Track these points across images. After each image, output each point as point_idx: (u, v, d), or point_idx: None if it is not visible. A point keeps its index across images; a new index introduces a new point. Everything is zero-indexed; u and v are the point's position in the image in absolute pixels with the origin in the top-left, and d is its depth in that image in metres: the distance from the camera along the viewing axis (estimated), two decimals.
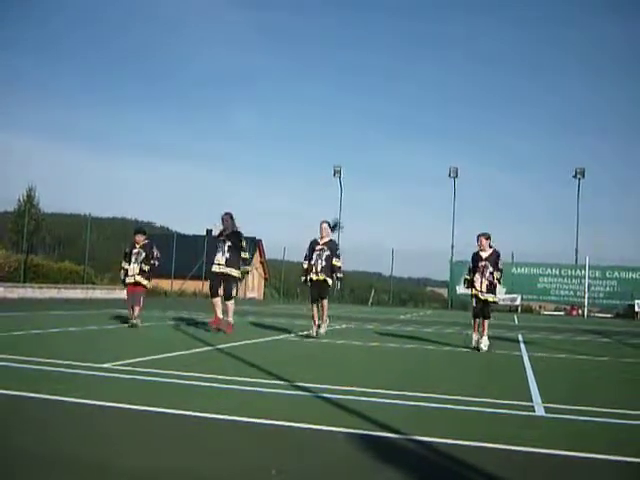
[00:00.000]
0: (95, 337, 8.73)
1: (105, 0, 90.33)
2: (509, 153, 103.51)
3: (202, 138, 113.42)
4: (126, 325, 10.62)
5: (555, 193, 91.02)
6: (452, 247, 37.20)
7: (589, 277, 34.44)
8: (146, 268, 10.67)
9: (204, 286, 36.43)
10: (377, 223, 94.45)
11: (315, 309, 10.08)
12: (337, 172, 39.95)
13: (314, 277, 9.94)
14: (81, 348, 7.21)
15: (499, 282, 9.32)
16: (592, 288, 34.57)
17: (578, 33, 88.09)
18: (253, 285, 45.81)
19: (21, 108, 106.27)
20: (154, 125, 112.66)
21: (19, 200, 32.18)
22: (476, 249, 9.42)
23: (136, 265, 10.64)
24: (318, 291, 10.01)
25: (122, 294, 27.74)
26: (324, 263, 9.91)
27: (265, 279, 48.64)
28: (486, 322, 9.16)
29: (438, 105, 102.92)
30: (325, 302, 10.09)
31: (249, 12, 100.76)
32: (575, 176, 36.45)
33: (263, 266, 48.77)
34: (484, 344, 8.97)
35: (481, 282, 9.13)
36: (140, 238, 10.87)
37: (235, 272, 10.02)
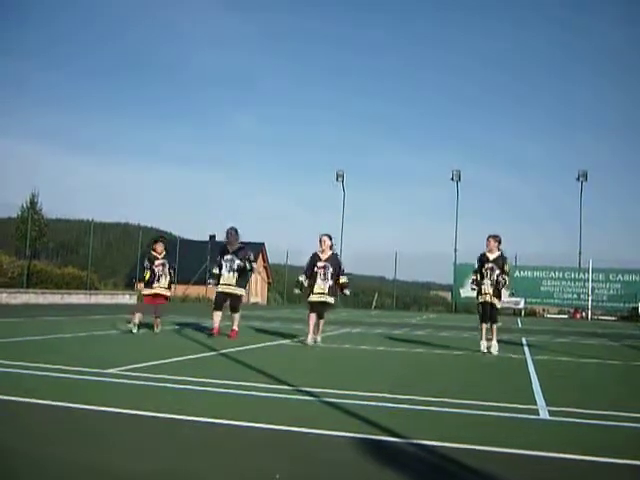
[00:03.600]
0: (98, 342, 8.73)
1: (103, 3, 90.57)
2: (512, 156, 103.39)
3: (203, 142, 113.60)
4: (129, 326, 10.62)
5: (558, 196, 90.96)
6: (455, 250, 37.24)
7: (592, 280, 34.40)
8: (169, 280, 10.73)
9: (207, 291, 36.47)
10: (380, 227, 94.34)
11: (313, 318, 9.62)
12: (340, 176, 40.02)
13: (315, 299, 9.55)
14: (85, 353, 7.21)
15: (506, 287, 9.20)
16: (596, 291, 34.54)
17: (580, 35, 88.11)
18: (256, 290, 45.83)
19: (23, 114, 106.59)
20: (155, 129, 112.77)
21: (22, 206, 32.25)
22: (483, 250, 9.34)
23: (163, 278, 10.62)
24: (321, 309, 9.65)
25: (125, 299, 27.85)
26: (330, 283, 9.50)
27: (268, 284, 48.64)
28: (494, 327, 9.09)
29: (440, 108, 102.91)
30: (322, 322, 9.75)
31: (249, 14, 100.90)
32: (578, 179, 36.45)
33: (266, 271, 48.76)
34: (494, 349, 8.93)
35: (488, 287, 9.03)
36: (160, 248, 10.82)
37: (242, 291, 10.28)
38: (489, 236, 9.23)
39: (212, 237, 43.41)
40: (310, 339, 9.59)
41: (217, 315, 10.26)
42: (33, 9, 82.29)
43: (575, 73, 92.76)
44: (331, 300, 9.65)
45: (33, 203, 32.11)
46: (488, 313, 9.09)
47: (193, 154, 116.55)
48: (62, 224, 44.53)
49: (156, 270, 10.60)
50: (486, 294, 9.05)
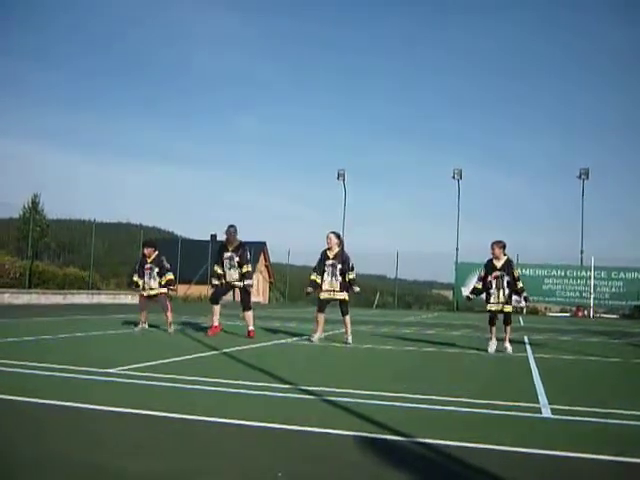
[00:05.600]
0: (100, 342, 8.74)
1: (104, 4, 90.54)
2: (512, 155, 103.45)
3: (205, 143, 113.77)
4: (135, 329, 10.83)
5: (560, 194, 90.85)
6: (457, 249, 37.14)
7: (595, 278, 34.36)
8: (164, 281, 10.81)
9: (209, 291, 36.47)
10: (381, 225, 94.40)
11: (321, 318, 9.78)
12: (341, 175, 39.99)
13: (324, 296, 9.65)
14: (86, 353, 7.21)
15: (523, 291, 9.14)
16: (598, 289, 34.48)
17: (580, 35, 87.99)
18: (258, 289, 45.82)
19: (24, 114, 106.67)
20: (157, 129, 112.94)
21: (24, 206, 32.31)
22: (487, 256, 9.30)
23: (153, 281, 10.77)
24: (340, 307, 9.74)
25: (127, 299, 27.87)
26: (340, 279, 9.57)
27: (270, 283, 48.64)
28: (508, 328, 9.14)
29: (442, 108, 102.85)
30: (347, 317, 9.75)
31: (249, 16, 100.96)
32: (580, 176, 36.39)
33: (267, 270, 48.76)
34: (509, 349, 8.96)
35: (498, 295, 8.99)
36: (150, 251, 10.92)
37: (249, 282, 10.21)
38: (493, 243, 9.13)
39: (213, 236, 43.48)
40: (316, 337, 9.71)
41: (216, 310, 10.24)
42: (33, 9, 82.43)
43: (575, 73, 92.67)
44: (343, 296, 9.66)
45: (35, 203, 32.17)
46: (502, 319, 9.12)
47: (194, 154, 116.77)
48: (64, 224, 44.56)
49: (145, 274, 10.79)
50: (498, 303, 9.03)
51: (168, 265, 10.95)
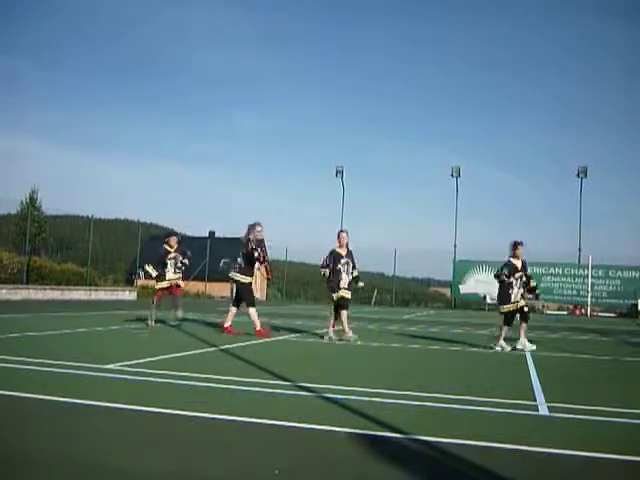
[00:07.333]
0: (99, 338, 8.74)
1: (105, 4, 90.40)
2: (511, 153, 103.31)
3: (203, 139, 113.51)
4: (149, 323, 10.95)
5: (558, 192, 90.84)
6: (455, 247, 37.16)
7: (592, 276, 34.40)
8: (180, 270, 11.07)
9: (207, 287, 36.46)
10: (379, 223, 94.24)
11: (335, 316, 9.88)
12: (339, 172, 39.96)
13: (342, 294, 9.71)
14: (85, 349, 7.22)
15: (535, 289, 9.44)
16: (595, 287, 34.52)
17: (579, 34, 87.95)
18: (256, 286, 45.79)
19: (23, 111, 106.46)
20: (156, 127, 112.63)
21: (22, 202, 32.20)
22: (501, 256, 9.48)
23: (177, 270, 11.00)
24: (344, 303, 9.83)
25: (125, 295, 27.83)
26: (350, 277, 9.79)
27: (268, 279, 48.62)
28: (525, 324, 9.33)
29: (440, 106, 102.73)
30: (347, 313, 9.84)
31: (249, 13, 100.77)
32: (578, 175, 36.39)
33: (265, 267, 48.71)
34: (528, 346, 9.11)
35: (517, 294, 9.20)
36: (174, 240, 11.17)
37: (246, 279, 10.11)
38: (517, 243, 9.37)
39: (212, 233, 43.47)
40: (331, 334, 9.78)
41: (233, 312, 10.15)
42: (34, 7, 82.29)
43: (574, 72, 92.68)
44: (350, 294, 9.88)
45: (33, 199, 32.04)
46: (520, 316, 9.28)
47: (193, 151, 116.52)
48: (62, 220, 44.44)
49: (168, 263, 10.94)
50: (516, 302, 9.21)
51: (190, 253, 11.27)
